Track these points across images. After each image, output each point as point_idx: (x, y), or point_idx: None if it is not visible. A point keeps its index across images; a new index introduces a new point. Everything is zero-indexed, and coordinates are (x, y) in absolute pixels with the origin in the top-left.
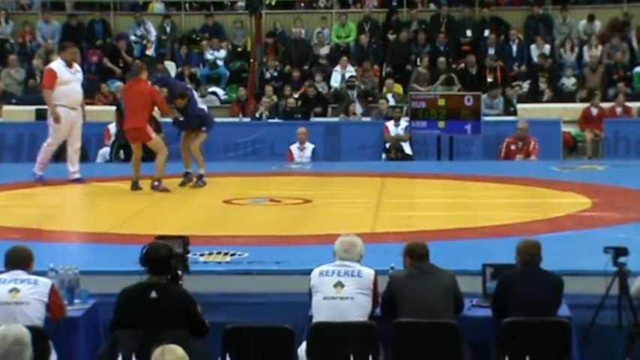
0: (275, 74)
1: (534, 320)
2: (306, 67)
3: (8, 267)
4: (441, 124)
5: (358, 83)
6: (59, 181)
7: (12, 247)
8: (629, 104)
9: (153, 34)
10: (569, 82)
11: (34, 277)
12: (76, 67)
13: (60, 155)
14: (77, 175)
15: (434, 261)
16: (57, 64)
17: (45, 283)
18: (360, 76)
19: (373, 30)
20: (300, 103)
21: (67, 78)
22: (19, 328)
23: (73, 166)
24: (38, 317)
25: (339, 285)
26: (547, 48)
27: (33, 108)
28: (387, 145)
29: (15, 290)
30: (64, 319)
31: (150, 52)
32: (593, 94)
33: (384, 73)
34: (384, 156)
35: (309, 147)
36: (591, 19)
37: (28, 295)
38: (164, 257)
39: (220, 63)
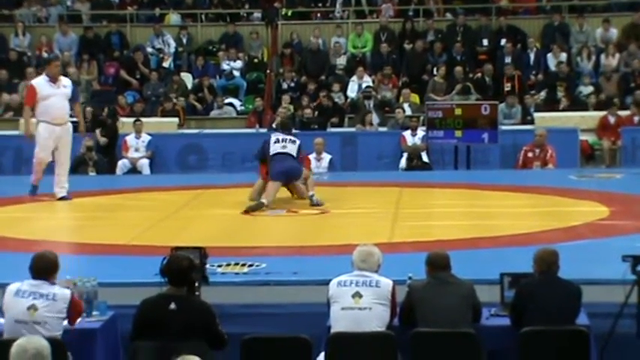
0: (292, 85)
1: (553, 329)
2: (322, 78)
3: (32, 274)
4: (458, 133)
5: (375, 94)
6: (76, 193)
7: (39, 253)
8: None
9: (172, 45)
10: (586, 90)
11: (53, 290)
12: (63, 81)
13: (77, 168)
14: (63, 194)
15: (452, 270)
16: (39, 80)
17: (63, 298)
18: (379, 82)
19: (389, 40)
20: (316, 113)
21: (47, 93)
22: (40, 341)
23: (59, 186)
24: (55, 334)
25: (357, 295)
26: (564, 56)
27: None
28: (408, 154)
29: (33, 308)
30: (83, 331)
31: (166, 64)
32: (611, 102)
33: (400, 83)
34: (404, 164)
35: (326, 157)
36: (607, 26)
37: (45, 314)
38: (185, 269)
39: (237, 74)
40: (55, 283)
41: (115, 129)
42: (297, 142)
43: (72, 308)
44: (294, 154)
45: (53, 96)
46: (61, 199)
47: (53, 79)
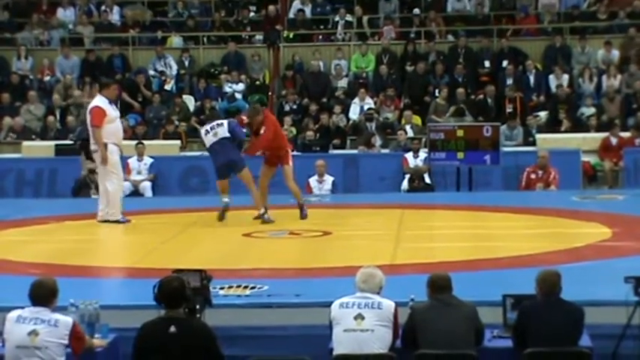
0: (294, 107)
1: (556, 351)
2: (324, 100)
3: (32, 301)
4: (460, 155)
5: (377, 115)
6: (78, 216)
7: (37, 280)
8: None
9: (174, 68)
10: (588, 111)
11: (55, 316)
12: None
13: (79, 191)
14: (119, 217)
15: (454, 292)
16: (102, 102)
17: (65, 324)
18: (381, 103)
19: (391, 62)
20: (318, 135)
21: (115, 115)
22: None
23: (114, 207)
24: (57, 359)
25: (359, 317)
26: (565, 78)
27: (52, 144)
28: (410, 175)
29: (34, 333)
30: (85, 353)
31: (168, 86)
32: (612, 123)
33: (402, 105)
34: (406, 186)
35: (328, 179)
36: (609, 48)
37: (46, 339)
38: (177, 290)
39: (239, 96)
40: (55, 308)
41: None
42: (224, 122)
43: (74, 337)
44: (227, 134)
45: (117, 118)
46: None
47: (110, 102)
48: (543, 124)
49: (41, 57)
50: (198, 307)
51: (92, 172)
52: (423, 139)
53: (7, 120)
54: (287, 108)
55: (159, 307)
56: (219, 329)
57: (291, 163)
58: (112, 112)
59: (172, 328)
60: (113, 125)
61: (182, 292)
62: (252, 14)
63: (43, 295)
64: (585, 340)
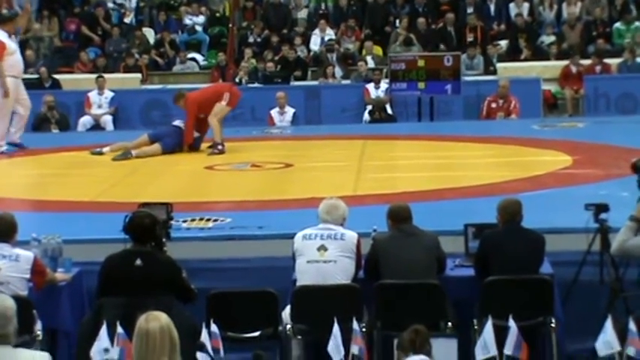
0: (258, 40)
1: (517, 278)
2: (285, 31)
3: None
4: (421, 85)
5: (337, 47)
6: (38, 151)
7: None
8: (609, 61)
9: (133, 0)
10: (548, 39)
11: (16, 251)
12: (13, 37)
13: (39, 126)
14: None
15: (416, 222)
16: (2, 35)
17: (27, 259)
18: (342, 34)
19: None
20: (279, 67)
21: (14, 48)
22: (4, 299)
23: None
24: (20, 293)
25: (322, 248)
26: (526, 6)
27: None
28: (371, 107)
29: None
30: (48, 288)
31: (128, 19)
32: (573, 51)
33: (362, 36)
34: (367, 117)
35: (290, 111)
36: None
37: (8, 274)
38: (147, 226)
39: (199, 29)
40: (17, 243)
41: None
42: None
43: (35, 271)
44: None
45: (17, 51)
46: (18, 145)
47: (9, 35)
48: (504, 53)
49: None
50: (164, 240)
51: (51, 107)
52: (384, 70)
53: None
54: (251, 39)
55: (124, 239)
56: (182, 262)
57: (224, 102)
58: (13, 45)
59: (138, 261)
60: (13, 58)
61: (152, 230)
62: None
63: (2, 230)
64: (546, 267)
